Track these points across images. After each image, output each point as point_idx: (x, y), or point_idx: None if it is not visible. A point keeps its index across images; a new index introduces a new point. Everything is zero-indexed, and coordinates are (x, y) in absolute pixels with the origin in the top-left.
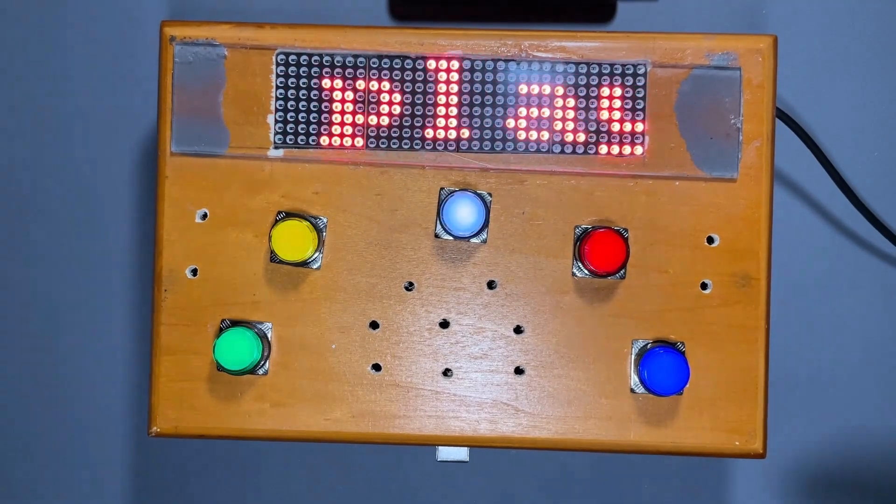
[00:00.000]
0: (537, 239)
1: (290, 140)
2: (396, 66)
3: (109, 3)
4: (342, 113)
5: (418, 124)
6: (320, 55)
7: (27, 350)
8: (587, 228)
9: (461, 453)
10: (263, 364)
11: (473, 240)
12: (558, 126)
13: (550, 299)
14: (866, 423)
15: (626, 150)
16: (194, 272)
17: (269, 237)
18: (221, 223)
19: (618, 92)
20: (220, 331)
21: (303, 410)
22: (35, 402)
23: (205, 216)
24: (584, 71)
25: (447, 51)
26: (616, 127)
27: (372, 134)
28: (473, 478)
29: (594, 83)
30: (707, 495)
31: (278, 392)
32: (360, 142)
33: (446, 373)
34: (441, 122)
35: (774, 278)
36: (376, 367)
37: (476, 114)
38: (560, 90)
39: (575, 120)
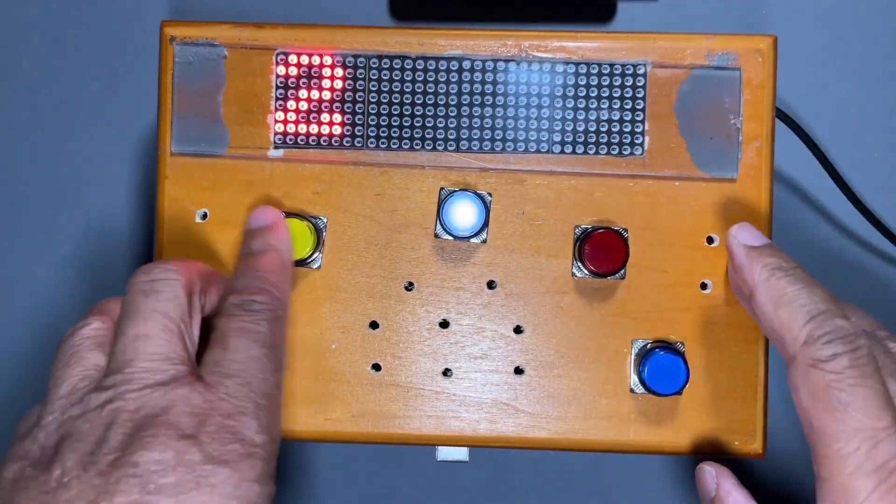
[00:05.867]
0: (537, 239)
1: (290, 140)
2: (396, 66)
3: (109, 3)
4: (342, 113)
5: (418, 124)
6: (320, 55)
7: (27, 350)
8: (587, 228)
9: (461, 453)
10: None
11: (473, 240)
12: (558, 126)
13: (550, 299)
14: None
15: (626, 150)
16: None
17: None
18: (221, 223)
19: (618, 92)
20: None
21: (303, 410)
22: (35, 402)
23: (205, 216)
24: (584, 71)
25: (447, 51)
26: (616, 127)
27: (372, 134)
28: (473, 478)
29: (594, 83)
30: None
31: None
32: (359, 142)
33: (446, 373)
34: (441, 122)
35: None
36: (376, 367)
37: (476, 114)
38: (560, 90)
39: (575, 120)
